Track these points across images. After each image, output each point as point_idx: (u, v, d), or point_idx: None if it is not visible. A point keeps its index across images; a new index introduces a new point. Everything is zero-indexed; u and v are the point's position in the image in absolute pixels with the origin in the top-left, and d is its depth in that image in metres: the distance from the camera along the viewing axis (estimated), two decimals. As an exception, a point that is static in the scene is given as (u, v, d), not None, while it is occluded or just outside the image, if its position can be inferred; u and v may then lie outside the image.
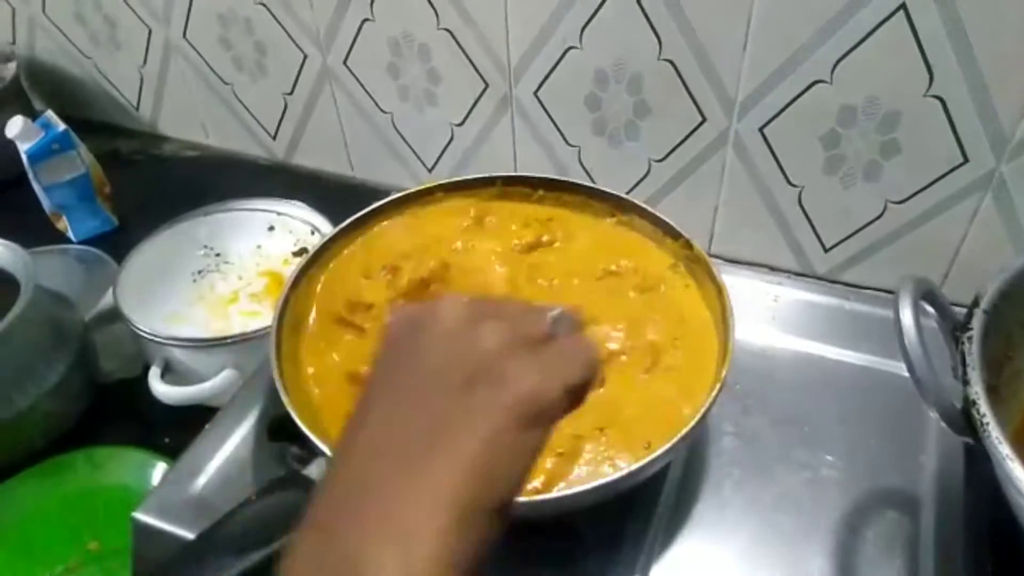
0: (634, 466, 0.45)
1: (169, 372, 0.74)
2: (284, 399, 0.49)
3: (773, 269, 0.84)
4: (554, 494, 0.44)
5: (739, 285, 0.68)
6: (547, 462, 0.48)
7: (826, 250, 0.81)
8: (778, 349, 0.65)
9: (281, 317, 0.54)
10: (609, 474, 0.45)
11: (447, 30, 0.82)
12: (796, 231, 0.81)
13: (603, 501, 0.46)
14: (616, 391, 0.52)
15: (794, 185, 0.78)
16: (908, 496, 0.54)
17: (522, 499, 0.44)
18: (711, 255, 0.86)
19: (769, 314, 0.67)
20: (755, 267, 0.84)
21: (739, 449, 0.57)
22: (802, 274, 0.83)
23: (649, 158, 0.82)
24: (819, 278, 0.83)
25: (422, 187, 0.65)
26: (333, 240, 0.60)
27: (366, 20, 0.85)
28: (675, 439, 0.46)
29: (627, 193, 0.84)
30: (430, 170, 0.96)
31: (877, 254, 0.79)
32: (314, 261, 0.59)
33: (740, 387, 0.61)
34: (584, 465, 0.48)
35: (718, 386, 0.48)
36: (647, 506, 0.54)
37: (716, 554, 0.53)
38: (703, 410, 0.47)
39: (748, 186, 0.80)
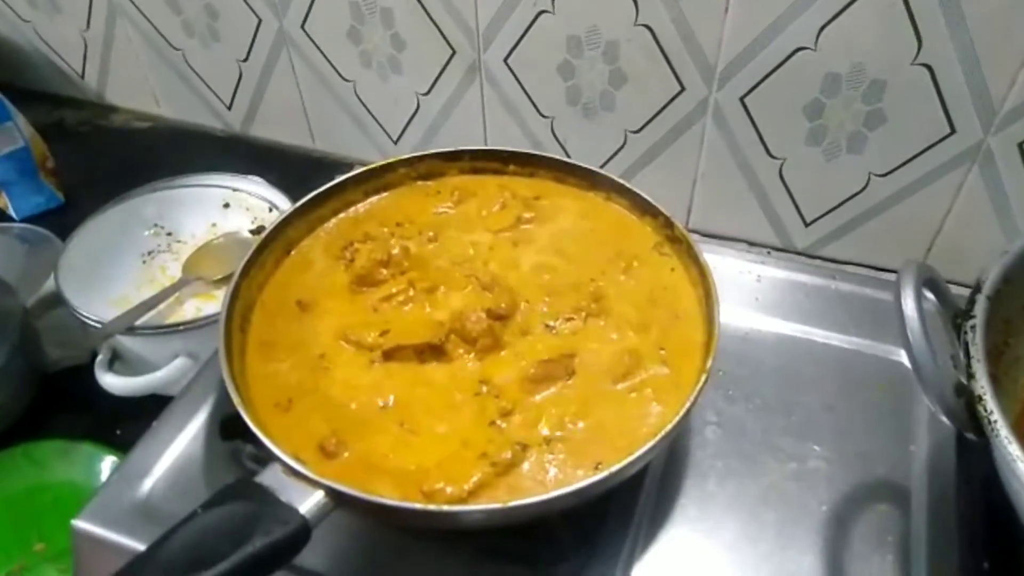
0: (609, 470, 0.42)
1: (118, 360, 0.69)
2: (235, 398, 0.45)
3: (752, 244, 0.82)
4: (530, 500, 0.41)
5: (721, 264, 0.66)
6: (525, 464, 0.45)
7: (807, 224, 0.79)
8: (762, 332, 0.62)
9: (231, 306, 0.50)
10: (583, 477, 0.42)
11: (411, -8, 0.77)
12: (776, 205, 0.78)
13: (583, 503, 0.43)
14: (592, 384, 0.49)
15: (775, 157, 0.75)
16: (898, 487, 0.52)
17: (499, 505, 0.42)
18: (689, 230, 0.83)
19: (752, 295, 0.64)
20: (734, 242, 0.81)
21: (723, 440, 0.55)
22: (782, 249, 0.81)
23: (625, 129, 0.79)
24: (799, 253, 0.80)
25: (384, 163, 0.60)
26: (287, 222, 0.56)
27: (324, -19, 0.80)
28: (659, 436, 0.43)
29: (602, 166, 0.82)
30: (395, 142, 0.92)
31: (858, 228, 0.77)
32: (267, 245, 0.54)
33: (724, 373, 0.58)
34: (555, 467, 0.45)
35: (704, 377, 0.45)
36: (628, 502, 0.51)
37: (701, 550, 0.50)
38: (687, 406, 0.44)
39: (728, 158, 0.77)
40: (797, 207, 0.78)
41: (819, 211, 0.77)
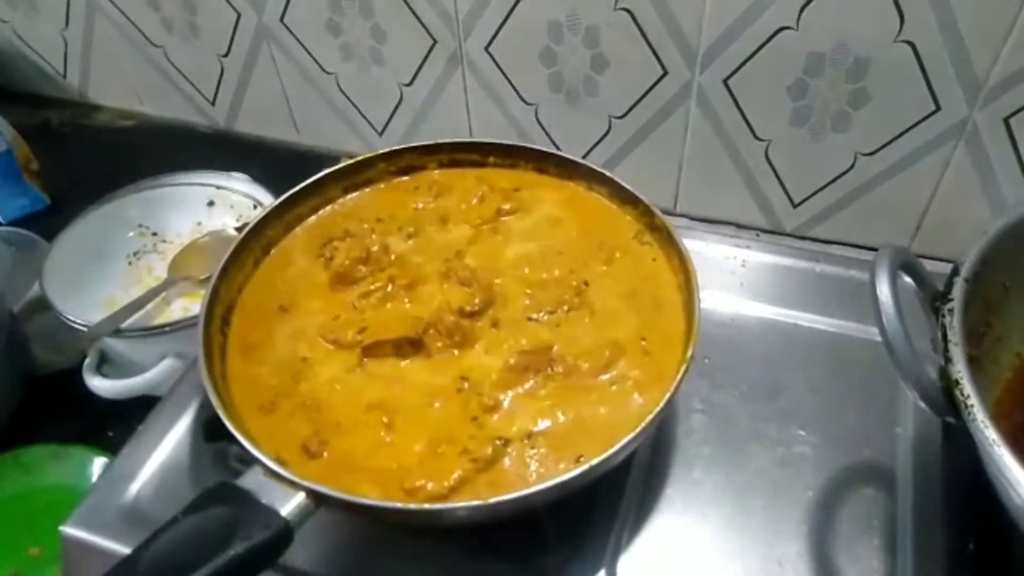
0: (590, 463, 0.41)
1: (106, 363, 0.69)
2: (214, 401, 0.45)
3: (741, 227, 0.81)
4: (510, 495, 0.41)
5: (705, 250, 0.65)
6: (506, 459, 0.45)
7: (795, 206, 0.78)
8: (747, 317, 0.61)
9: (210, 308, 0.50)
10: (564, 471, 0.42)
11: (388, -18, 0.76)
12: (764, 187, 0.78)
13: (567, 495, 0.43)
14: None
15: (761, 139, 0.74)
16: (884, 470, 0.52)
17: (480, 502, 0.42)
18: (677, 214, 0.83)
19: (737, 280, 0.64)
20: (722, 225, 0.81)
21: (709, 427, 0.54)
22: (771, 231, 0.80)
23: (609, 115, 0.78)
24: (788, 234, 0.80)
25: (362, 158, 0.60)
26: (265, 222, 0.55)
27: (300, -26, 0.79)
28: (639, 427, 0.43)
29: (588, 152, 0.81)
30: (380, 133, 0.91)
31: (847, 208, 0.76)
32: (246, 245, 0.54)
33: (709, 360, 0.58)
34: (536, 461, 0.45)
35: (683, 368, 0.45)
36: (614, 491, 0.51)
37: (688, 539, 0.50)
38: (667, 396, 0.44)
39: (713, 141, 0.76)
40: (784, 188, 0.77)
41: (807, 192, 0.77)
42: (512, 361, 0.49)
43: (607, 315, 0.52)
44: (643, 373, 0.49)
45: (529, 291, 0.53)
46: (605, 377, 0.49)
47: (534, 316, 0.52)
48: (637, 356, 0.49)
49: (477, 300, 0.52)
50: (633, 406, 0.47)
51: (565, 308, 0.52)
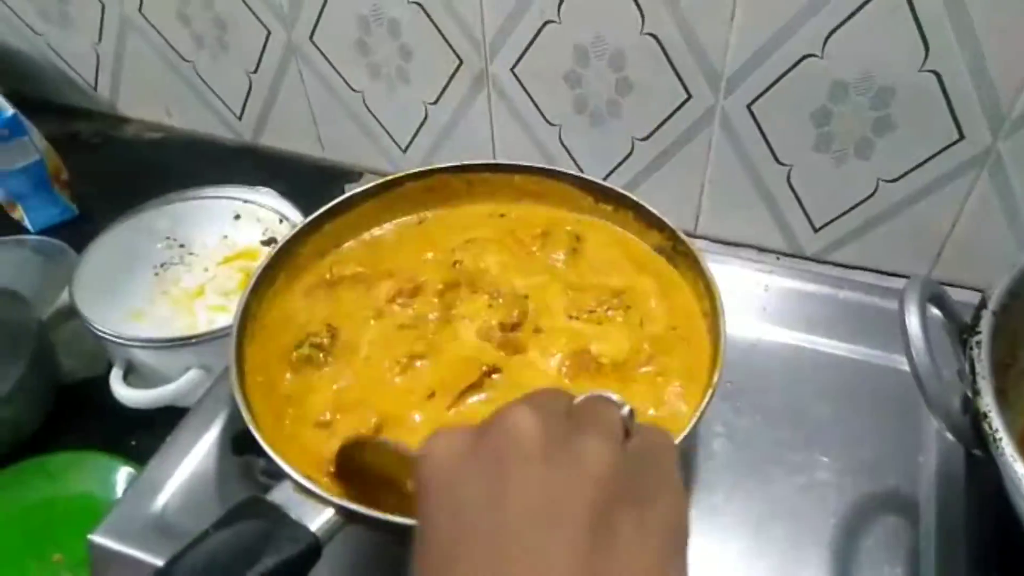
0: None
1: (132, 372, 0.70)
2: (245, 415, 0.45)
3: (761, 250, 0.82)
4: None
5: (727, 274, 0.65)
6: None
7: (816, 230, 0.79)
8: (769, 342, 0.62)
9: (242, 321, 0.51)
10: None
11: (417, 3, 0.77)
12: (785, 211, 0.78)
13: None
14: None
15: (783, 164, 0.75)
16: (907, 499, 0.52)
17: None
18: (697, 236, 0.84)
19: (759, 304, 0.64)
20: (743, 248, 0.81)
21: (731, 452, 0.55)
22: (791, 255, 0.81)
23: (632, 137, 0.79)
24: (808, 258, 0.80)
25: (392, 177, 0.61)
26: (295, 239, 0.56)
27: (331, -7, 0.81)
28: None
29: (610, 172, 0.82)
30: (404, 151, 0.92)
31: (868, 234, 0.77)
32: (278, 260, 0.55)
33: (731, 384, 0.58)
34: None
35: (709, 392, 0.45)
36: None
37: (708, 565, 0.50)
38: (694, 419, 0.44)
39: (735, 165, 0.76)
40: (806, 213, 0.78)
41: (828, 217, 0.77)
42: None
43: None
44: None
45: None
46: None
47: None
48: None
49: (515, 313, 0.53)
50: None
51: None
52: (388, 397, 0.50)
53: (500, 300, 0.54)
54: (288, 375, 0.51)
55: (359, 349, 0.53)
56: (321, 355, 0.52)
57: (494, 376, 0.50)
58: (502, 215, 0.62)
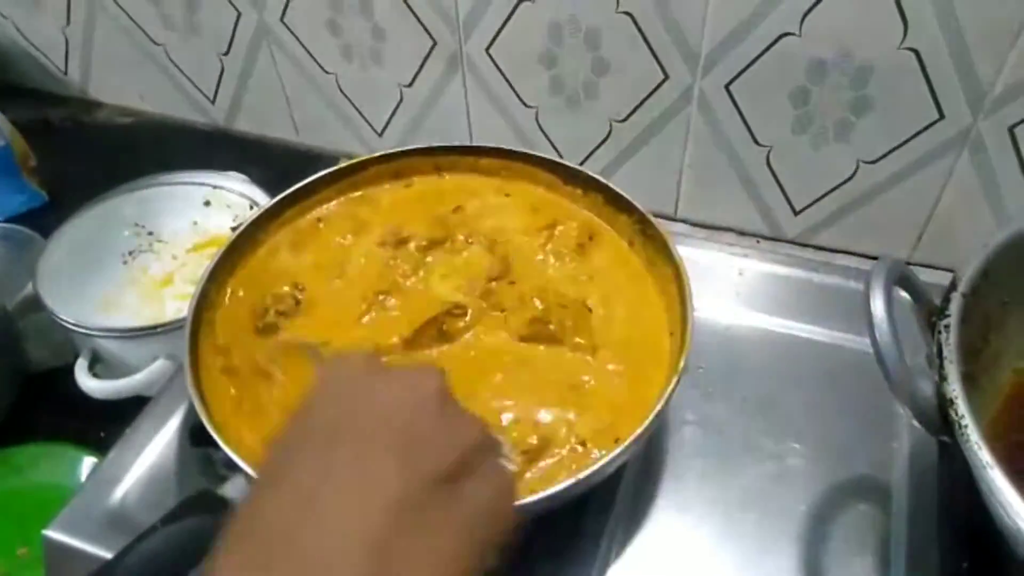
0: (577, 477, 0.41)
1: (100, 362, 0.69)
2: (199, 408, 0.44)
3: (742, 233, 0.80)
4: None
5: (702, 258, 0.64)
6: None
7: (796, 213, 0.77)
8: (743, 327, 0.61)
9: (197, 312, 0.49)
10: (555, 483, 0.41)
11: (388, -18, 0.76)
12: (765, 194, 0.77)
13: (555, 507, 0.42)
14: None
15: (762, 145, 0.73)
16: (879, 486, 0.51)
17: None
18: (677, 219, 0.82)
19: (733, 289, 0.63)
20: (722, 232, 0.80)
21: (701, 439, 0.54)
22: (772, 238, 0.79)
23: (610, 118, 0.77)
24: (789, 241, 0.79)
25: (354, 161, 0.59)
26: (255, 225, 0.55)
27: (300, -27, 0.79)
28: (627, 441, 0.42)
29: (588, 155, 0.81)
30: (380, 134, 0.91)
31: (849, 216, 0.75)
32: (236, 248, 0.54)
33: (703, 370, 0.57)
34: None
35: (675, 378, 0.44)
36: (603, 505, 0.50)
37: (679, 552, 0.49)
38: (656, 410, 0.43)
39: (714, 147, 0.75)
40: (786, 195, 0.76)
41: (808, 199, 0.76)
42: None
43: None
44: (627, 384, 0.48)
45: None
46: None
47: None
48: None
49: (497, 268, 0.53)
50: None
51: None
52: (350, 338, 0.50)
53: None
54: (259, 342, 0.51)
55: (326, 301, 0.53)
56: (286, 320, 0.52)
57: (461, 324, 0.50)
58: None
